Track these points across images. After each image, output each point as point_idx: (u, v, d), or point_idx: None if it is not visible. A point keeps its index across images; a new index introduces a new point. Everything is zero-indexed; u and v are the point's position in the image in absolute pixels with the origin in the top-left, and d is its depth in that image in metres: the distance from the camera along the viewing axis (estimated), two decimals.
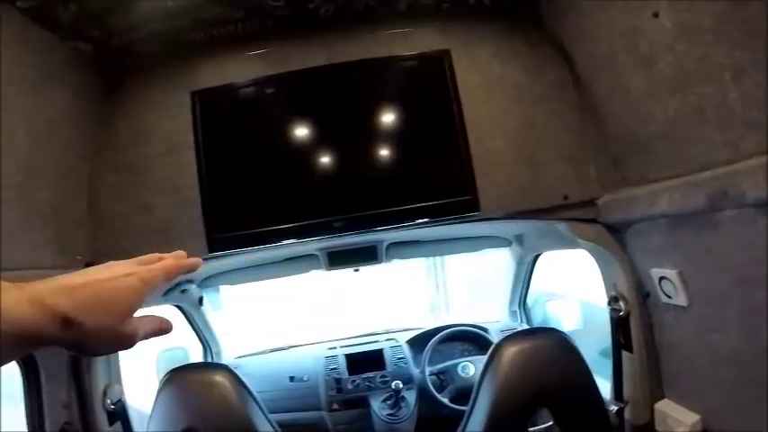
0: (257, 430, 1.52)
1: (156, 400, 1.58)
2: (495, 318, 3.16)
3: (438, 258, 5.20)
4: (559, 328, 2.49)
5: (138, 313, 0.61)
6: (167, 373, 1.63)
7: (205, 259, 1.69)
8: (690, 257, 1.34)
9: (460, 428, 1.63)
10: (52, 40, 1.45)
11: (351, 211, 1.67)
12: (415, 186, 1.68)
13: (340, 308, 4.71)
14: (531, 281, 2.90)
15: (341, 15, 1.67)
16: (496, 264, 3.57)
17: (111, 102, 1.74)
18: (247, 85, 1.72)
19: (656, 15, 1.20)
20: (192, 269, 0.75)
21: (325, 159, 1.70)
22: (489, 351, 1.55)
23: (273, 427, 1.63)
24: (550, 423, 1.52)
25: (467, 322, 2.87)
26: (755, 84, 1.02)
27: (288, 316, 4.60)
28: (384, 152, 1.71)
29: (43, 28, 1.40)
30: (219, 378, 1.57)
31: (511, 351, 1.50)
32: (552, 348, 1.54)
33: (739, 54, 1.04)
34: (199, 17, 1.59)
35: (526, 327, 2.94)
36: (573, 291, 2.86)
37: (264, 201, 1.70)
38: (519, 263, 2.80)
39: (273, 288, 4.32)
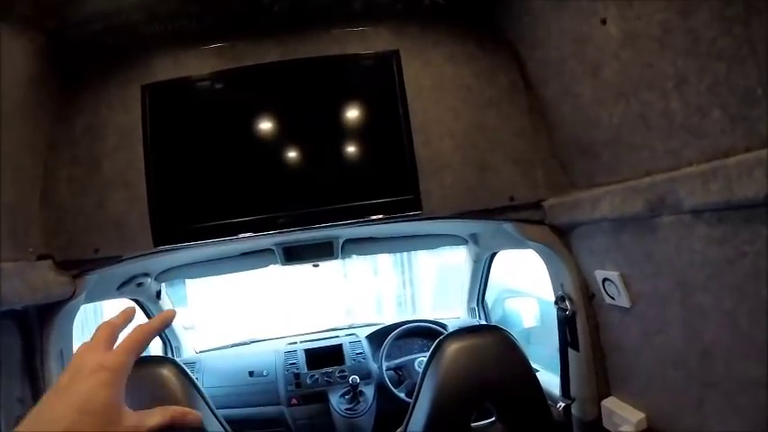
0: (203, 425, 1.48)
1: None
2: (457, 314, 3.22)
3: (406, 255, 5.24)
4: (519, 325, 2.54)
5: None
6: None
7: (152, 253, 1.72)
8: (631, 260, 1.37)
9: (405, 421, 1.64)
10: (7, 32, 1.41)
11: (299, 208, 1.67)
12: (363, 184, 1.69)
13: (305, 303, 4.75)
14: (489, 278, 2.97)
15: (295, 13, 1.67)
16: (461, 262, 3.61)
17: (66, 95, 1.72)
18: (199, 79, 1.71)
19: (603, 22, 1.22)
20: (164, 326, 0.72)
21: (274, 155, 1.69)
22: (432, 347, 1.57)
23: (221, 422, 1.60)
24: (493, 419, 1.54)
25: (426, 318, 2.91)
26: (696, 92, 1.04)
27: (253, 311, 4.61)
28: (334, 149, 1.70)
29: None
30: (165, 372, 1.53)
31: (453, 347, 1.51)
32: (494, 345, 1.54)
33: (682, 63, 1.05)
34: (154, 11, 1.57)
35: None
36: (533, 288, 2.91)
37: (211, 196, 1.69)
38: (476, 261, 2.86)
39: (240, 283, 4.32)
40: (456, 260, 4.35)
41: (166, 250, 1.71)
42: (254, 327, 3.70)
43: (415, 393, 1.59)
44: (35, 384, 1.61)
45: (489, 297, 3.13)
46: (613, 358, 1.61)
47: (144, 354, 0.71)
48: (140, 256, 1.76)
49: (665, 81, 1.11)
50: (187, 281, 3.71)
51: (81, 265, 1.71)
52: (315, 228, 1.71)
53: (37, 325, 1.65)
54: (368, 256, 4.75)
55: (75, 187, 1.69)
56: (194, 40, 1.72)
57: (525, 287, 3.06)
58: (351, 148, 1.70)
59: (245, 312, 4.57)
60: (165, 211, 1.67)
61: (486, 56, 1.73)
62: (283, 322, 3.88)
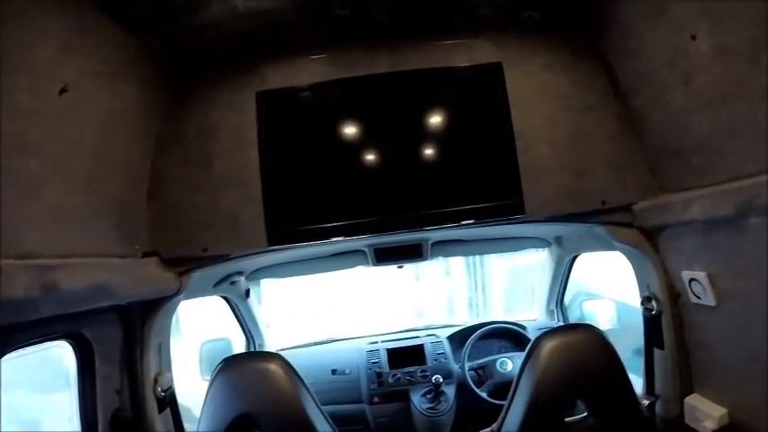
0: (309, 417, 1.57)
1: (211, 386, 1.61)
2: (530, 317, 3.24)
3: (478, 258, 5.24)
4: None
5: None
6: (222, 360, 1.68)
7: (260, 252, 1.82)
8: (718, 261, 1.42)
9: (501, 418, 1.70)
10: (124, 35, 1.49)
11: (403, 211, 1.77)
12: (463, 189, 1.78)
13: (379, 304, 4.76)
14: (569, 281, 2.97)
15: (402, 25, 1.77)
16: (533, 265, 3.60)
17: (176, 98, 1.82)
18: (310, 88, 1.81)
19: (693, 38, 1.30)
20: None
21: (380, 162, 1.79)
22: (529, 345, 1.63)
23: (324, 416, 1.68)
24: (585, 414, 1.59)
25: (505, 320, 2.92)
26: None
27: (326, 311, 4.63)
28: (436, 157, 1.80)
29: (116, 22, 1.44)
30: (273, 366, 1.61)
31: (549, 345, 1.57)
32: (588, 343, 1.60)
33: None
34: (267, 20, 1.67)
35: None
36: (608, 291, 2.91)
37: (321, 199, 1.79)
38: (558, 263, 2.87)
39: (312, 283, 4.29)
40: (526, 262, 4.33)
41: (278, 250, 1.81)
42: (328, 326, 3.75)
43: (511, 390, 1.66)
44: (133, 377, 1.68)
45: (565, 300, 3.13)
46: (697, 356, 1.65)
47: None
48: (249, 255, 1.86)
49: (752, 93, 1.19)
50: (261, 281, 3.60)
51: (188, 263, 1.79)
52: (419, 230, 1.80)
53: (139, 319, 1.71)
54: (443, 259, 4.72)
55: (185, 186, 1.79)
56: (305, 48, 1.81)
57: (600, 290, 3.06)
58: (453, 156, 1.79)
59: (315, 312, 4.58)
60: (279, 212, 1.77)
61: (579, 64, 1.80)
62: (356, 322, 3.94)
